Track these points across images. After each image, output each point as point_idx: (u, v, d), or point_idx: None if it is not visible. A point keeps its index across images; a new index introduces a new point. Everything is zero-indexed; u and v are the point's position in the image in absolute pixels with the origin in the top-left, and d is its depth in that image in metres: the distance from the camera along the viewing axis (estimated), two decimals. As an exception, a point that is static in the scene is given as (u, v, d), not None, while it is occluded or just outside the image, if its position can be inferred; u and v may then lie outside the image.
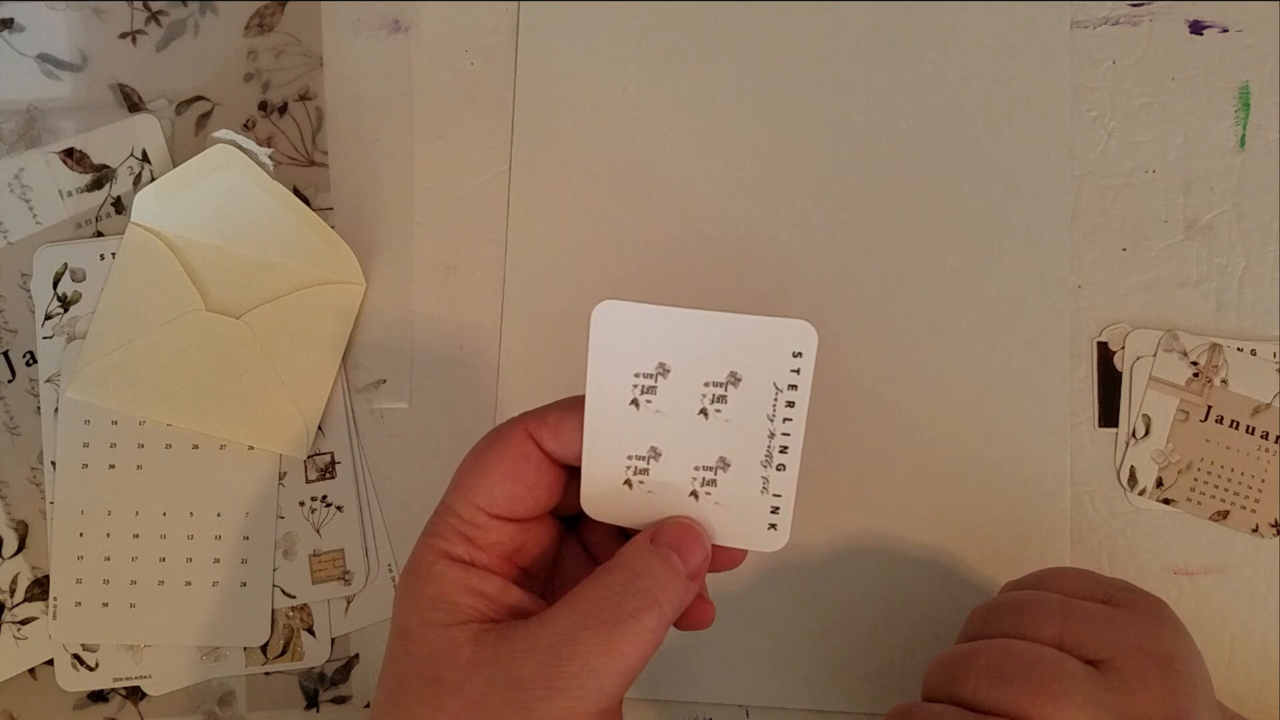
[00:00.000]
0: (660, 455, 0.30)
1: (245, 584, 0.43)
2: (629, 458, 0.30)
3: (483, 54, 0.46)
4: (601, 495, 0.30)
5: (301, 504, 0.43)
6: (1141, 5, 0.45)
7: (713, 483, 0.30)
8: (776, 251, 0.44)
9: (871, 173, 0.44)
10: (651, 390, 0.29)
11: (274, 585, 0.43)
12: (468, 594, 0.30)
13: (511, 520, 0.31)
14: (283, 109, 0.46)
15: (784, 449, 0.29)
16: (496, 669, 0.28)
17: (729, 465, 0.30)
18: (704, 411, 0.29)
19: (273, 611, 0.43)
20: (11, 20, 0.47)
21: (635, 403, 0.29)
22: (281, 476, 0.43)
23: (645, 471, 0.30)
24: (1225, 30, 0.44)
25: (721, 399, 0.29)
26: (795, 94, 0.45)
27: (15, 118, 0.46)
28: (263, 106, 0.46)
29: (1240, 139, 0.44)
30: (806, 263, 0.44)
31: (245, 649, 0.43)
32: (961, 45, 0.45)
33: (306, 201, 0.45)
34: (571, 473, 0.31)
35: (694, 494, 0.30)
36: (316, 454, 0.44)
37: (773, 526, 0.30)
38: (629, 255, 0.44)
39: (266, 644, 0.43)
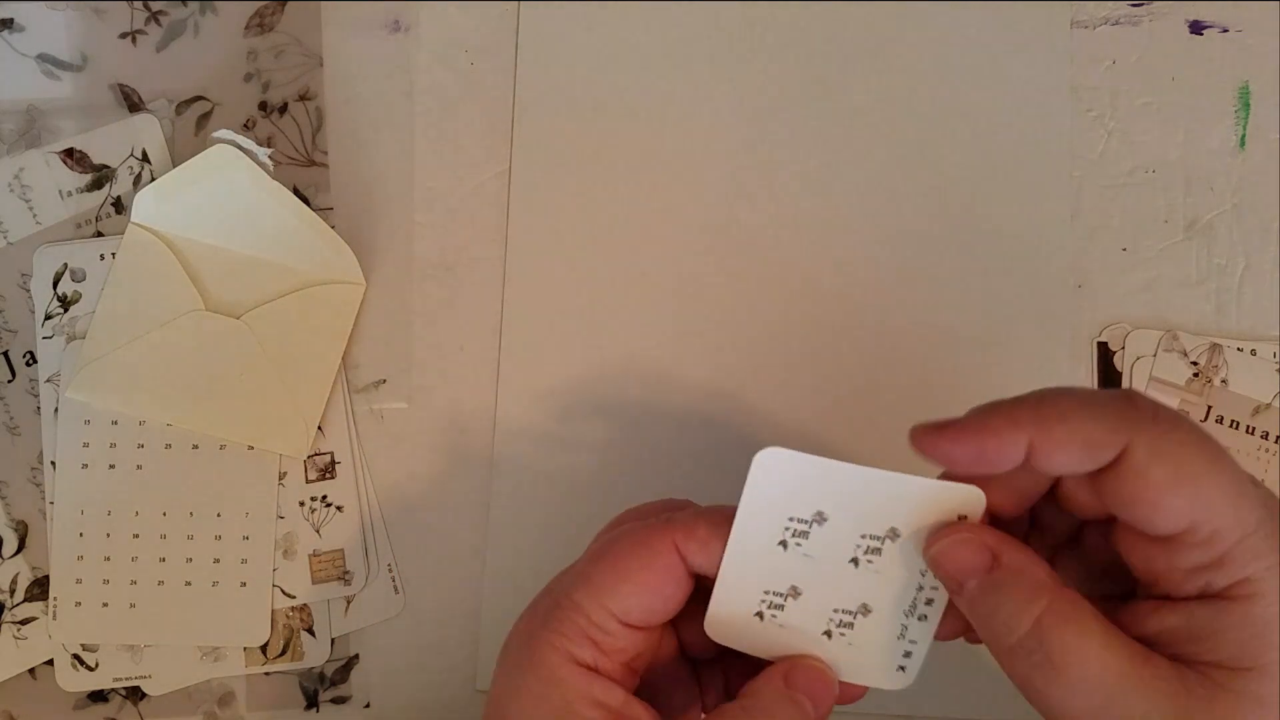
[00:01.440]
0: (800, 595, 0.30)
1: (245, 584, 0.43)
2: (766, 592, 0.30)
3: (483, 54, 0.46)
4: (729, 621, 0.30)
5: (301, 504, 0.43)
6: (1141, 5, 0.45)
7: (849, 625, 0.30)
8: (776, 251, 0.44)
9: (872, 172, 0.44)
10: (804, 535, 0.29)
11: (274, 585, 0.43)
12: (593, 706, 0.28)
13: (640, 630, 0.30)
14: (283, 109, 0.46)
15: (929, 601, 0.29)
16: None
17: (870, 611, 0.30)
18: (855, 560, 0.29)
19: (273, 611, 0.43)
20: (11, 20, 0.47)
21: (784, 544, 0.29)
22: (281, 476, 0.43)
23: (780, 607, 0.30)
24: (1225, 30, 0.44)
25: (876, 551, 0.29)
26: (795, 93, 0.45)
27: (15, 118, 0.46)
28: (263, 106, 0.46)
29: (1240, 139, 0.44)
30: (806, 262, 0.44)
31: (245, 649, 0.43)
32: (961, 45, 0.45)
33: (306, 201, 0.45)
34: (701, 580, 0.31)
35: (827, 633, 0.30)
36: (316, 454, 0.44)
37: (901, 669, 0.30)
38: (629, 255, 0.44)
39: (266, 644, 0.43)
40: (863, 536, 0.29)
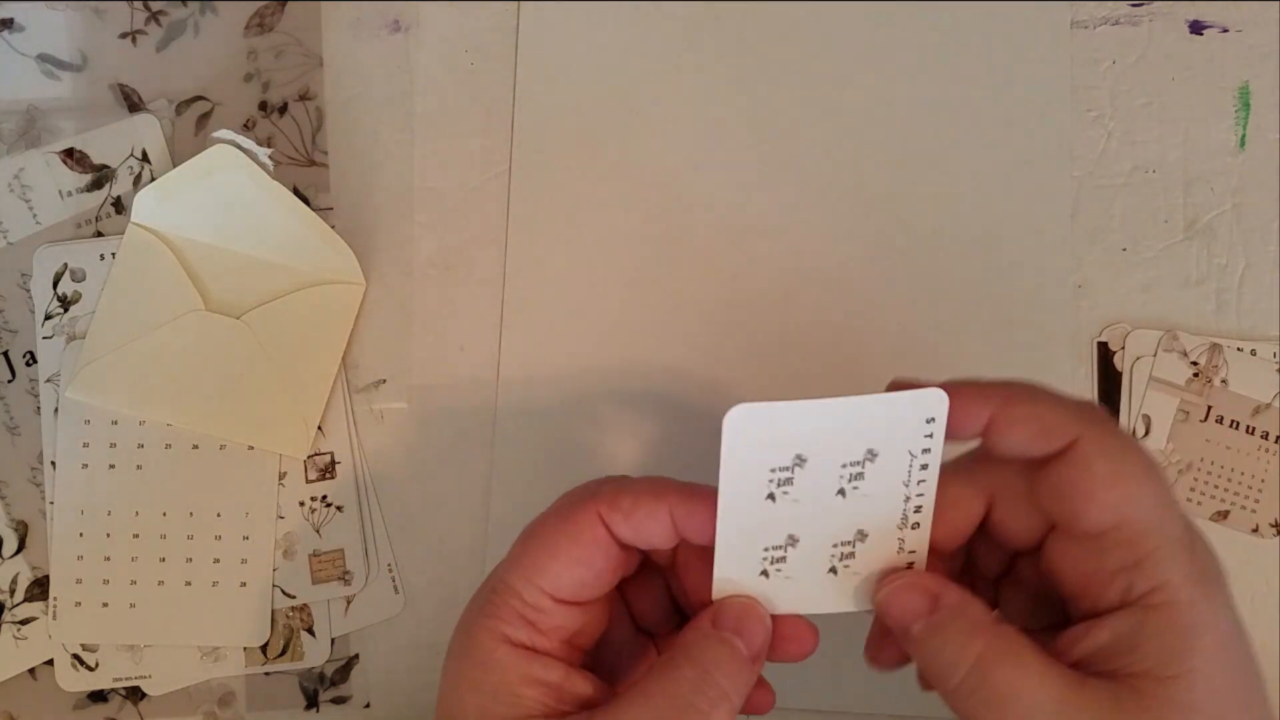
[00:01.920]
0: (798, 541, 0.29)
1: (245, 584, 0.43)
2: (765, 549, 0.30)
3: (483, 54, 0.46)
4: (734, 589, 0.30)
5: (301, 504, 0.43)
6: (1141, 5, 0.45)
7: (851, 555, 0.30)
8: (777, 251, 0.44)
9: (871, 172, 0.44)
10: (788, 482, 0.29)
11: (274, 585, 0.43)
12: (531, 685, 0.28)
13: (575, 605, 0.30)
14: (283, 109, 0.46)
15: (918, 508, 0.29)
16: None
17: (866, 536, 0.30)
18: (842, 492, 0.29)
19: (273, 611, 0.43)
20: (11, 20, 0.47)
21: (772, 496, 0.29)
22: (281, 476, 0.43)
23: (783, 560, 0.30)
24: (1225, 30, 0.44)
25: (859, 476, 0.29)
26: (795, 93, 0.45)
27: (15, 118, 0.46)
28: (263, 106, 0.46)
29: (1240, 139, 0.44)
30: (807, 262, 0.44)
31: (245, 649, 0.43)
32: (961, 45, 0.45)
33: (306, 201, 0.45)
34: (642, 552, 0.31)
35: (833, 570, 0.30)
36: (316, 454, 0.44)
37: None
38: (629, 255, 0.44)
39: (266, 644, 0.43)
40: (844, 466, 0.29)
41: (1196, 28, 0.44)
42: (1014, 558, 0.31)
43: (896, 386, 0.28)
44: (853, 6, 0.45)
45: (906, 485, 0.29)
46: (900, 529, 0.29)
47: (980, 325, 0.43)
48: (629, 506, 0.29)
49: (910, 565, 0.30)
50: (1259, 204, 0.43)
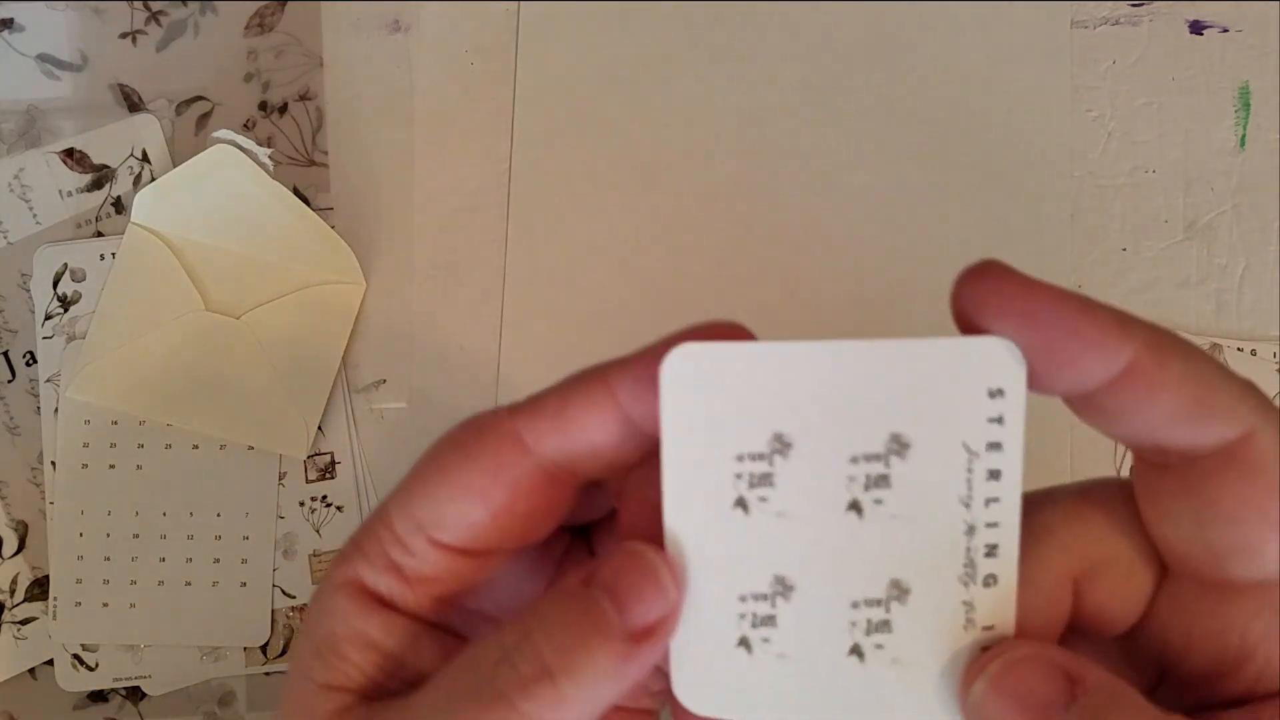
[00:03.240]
0: (792, 589, 0.19)
1: (245, 584, 0.43)
2: (741, 599, 0.19)
3: (483, 54, 0.46)
4: (704, 672, 0.19)
5: (301, 504, 0.43)
6: (1141, 5, 0.45)
7: (885, 625, 0.19)
8: (777, 251, 0.44)
9: (872, 173, 0.44)
10: (767, 480, 0.19)
11: (274, 585, 0.43)
12: (359, 647, 0.20)
13: (466, 554, 0.21)
14: (283, 109, 0.46)
15: (992, 547, 0.19)
16: None
17: (907, 591, 0.19)
18: (856, 505, 0.19)
19: (273, 611, 0.43)
20: (11, 20, 0.47)
21: (743, 503, 0.19)
22: (281, 476, 0.43)
23: (771, 621, 0.19)
24: (1225, 30, 0.44)
25: (883, 480, 0.19)
26: (795, 93, 0.45)
27: (15, 118, 0.46)
28: (263, 106, 0.46)
29: (1240, 139, 0.44)
30: (807, 262, 0.44)
31: (245, 649, 0.43)
32: (961, 45, 0.45)
33: (306, 201, 0.45)
34: (587, 488, 0.22)
35: (856, 649, 0.19)
36: (316, 454, 0.44)
37: None
38: (629, 255, 0.44)
39: (266, 644, 0.43)
40: (854, 460, 0.19)
41: (1196, 28, 0.44)
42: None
43: (972, 288, 0.19)
44: (852, 7, 0.45)
45: (966, 505, 0.18)
46: (965, 584, 0.19)
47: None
48: (557, 406, 0.20)
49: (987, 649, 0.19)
50: (1259, 204, 0.43)
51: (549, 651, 0.18)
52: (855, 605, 0.19)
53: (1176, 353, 0.18)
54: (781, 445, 0.19)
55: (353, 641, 0.20)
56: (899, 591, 0.19)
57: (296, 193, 0.45)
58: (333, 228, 0.44)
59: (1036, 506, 0.19)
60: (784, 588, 0.19)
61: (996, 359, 0.18)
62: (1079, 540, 0.19)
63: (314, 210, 0.44)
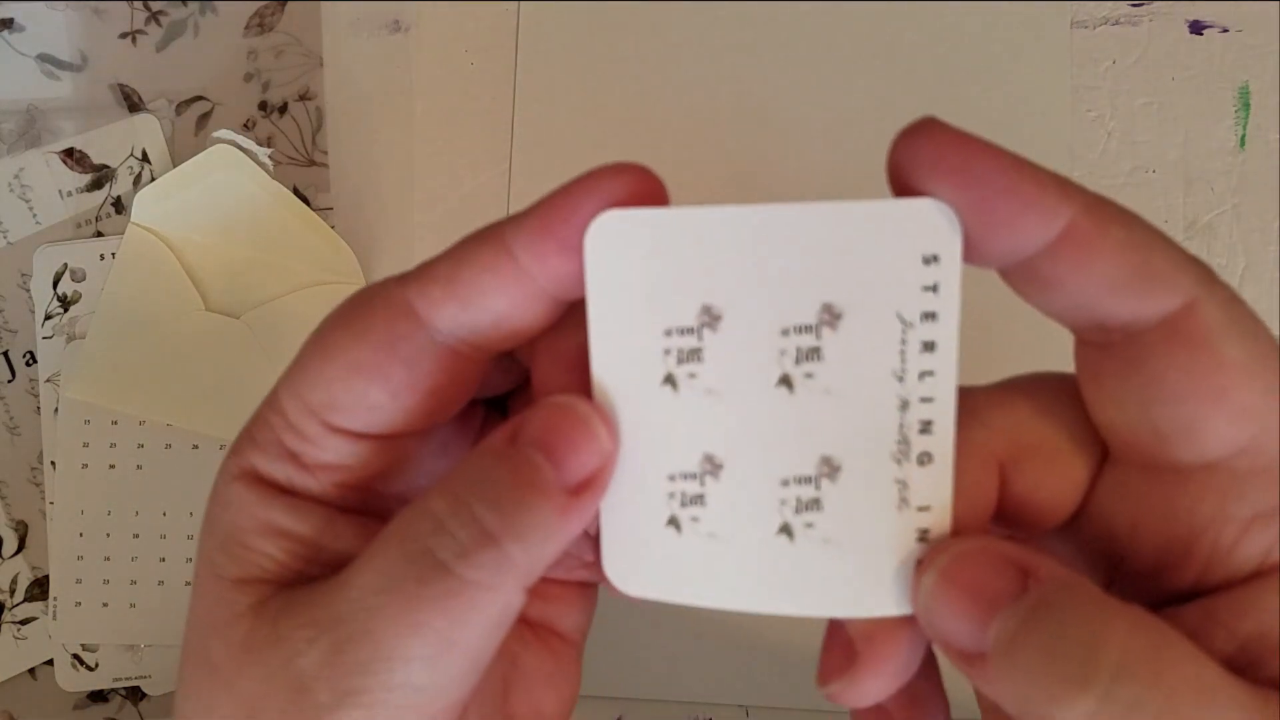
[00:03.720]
0: (721, 467, 0.18)
1: (245, 584, 0.43)
2: (670, 478, 0.19)
3: (483, 54, 0.46)
4: (633, 552, 0.19)
5: (301, 504, 0.43)
6: (1141, 5, 0.45)
7: (815, 504, 0.18)
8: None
9: (872, 173, 0.44)
10: (695, 356, 0.18)
11: (274, 585, 0.43)
12: (267, 536, 0.19)
13: (370, 438, 0.19)
14: (283, 109, 0.46)
15: (926, 423, 0.18)
16: (273, 659, 0.18)
17: (838, 469, 0.18)
18: (786, 380, 0.18)
19: (273, 611, 0.43)
20: (11, 20, 0.47)
21: (671, 380, 0.18)
22: (281, 476, 0.43)
23: (700, 500, 0.19)
24: (1225, 30, 0.44)
25: (814, 353, 0.18)
26: (794, 93, 0.45)
27: (15, 118, 0.46)
28: (263, 106, 0.46)
29: (1240, 139, 0.44)
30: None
31: (245, 649, 0.43)
32: (961, 45, 0.45)
33: (306, 201, 0.45)
34: (497, 358, 0.20)
35: (785, 528, 0.18)
36: (316, 454, 0.44)
37: (921, 562, 0.18)
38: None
39: (266, 644, 0.43)
40: (784, 332, 0.18)
41: (1196, 28, 0.44)
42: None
43: (909, 146, 0.18)
44: (852, 7, 0.45)
45: (900, 378, 0.18)
46: (899, 460, 0.18)
47: (980, 325, 0.43)
48: (449, 272, 0.19)
49: (924, 533, 0.18)
50: (1259, 204, 0.43)
51: (488, 515, 0.17)
52: (785, 483, 0.18)
53: (1117, 219, 0.17)
54: (710, 318, 0.18)
55: (259, 532, 0.19)
56: (830, 469, 0.18)
57: (296, 193, 0.45)
58: (333, 228, 0.44)
59: (962, 393, 0.18)
60: (713, 466, 0.18)
61: (931, 222, 0.17)
62: (1004, 422, 0.18)
63: (314, 210, 0.44)
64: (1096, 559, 0.19)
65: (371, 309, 0.19)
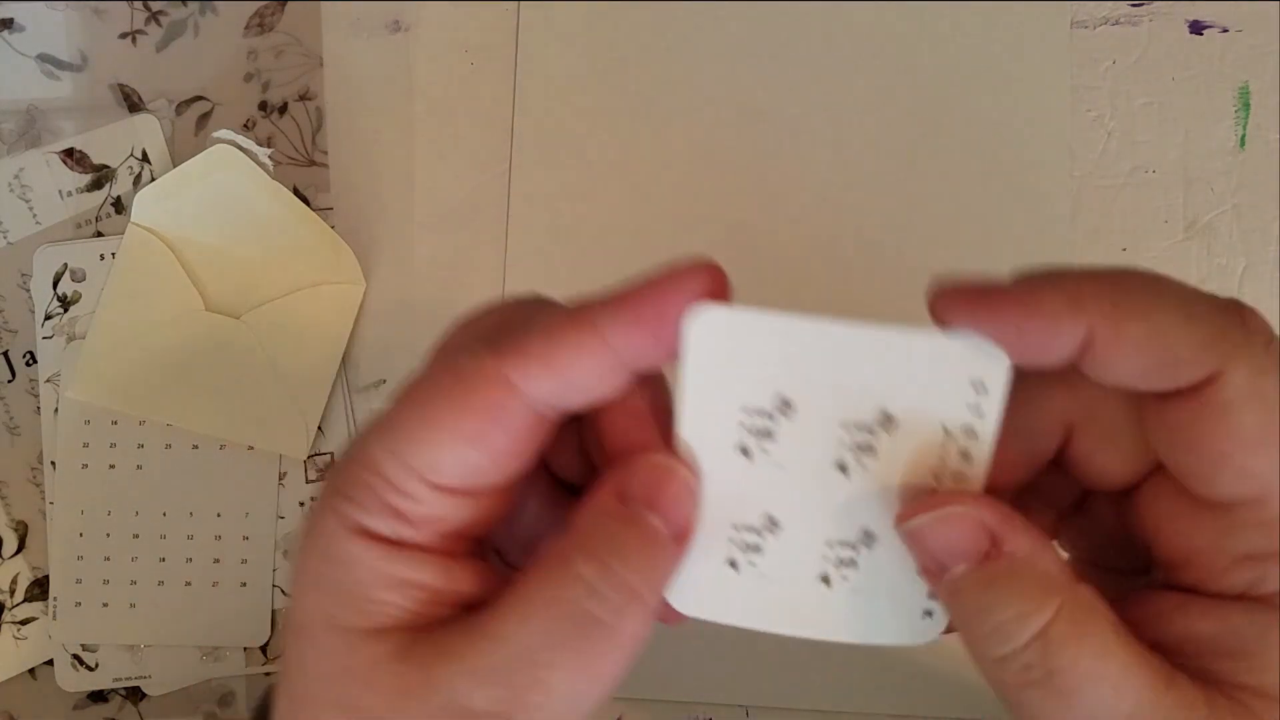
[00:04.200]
0: (778, 527, 0.23)
1: (245, 584, 0.43)
2: (735, 528, 0.23)
3: (483, 54, 0.46)
4: (696, 583, 0.23)
5: (301, 504, 0.43)
6: (1141, 5, 0.45)
7: (851, 564, 0.23)
8: (777, 251, 0.44)
9: (871, 172, 0.44)
10: (767, 435, 0.22)
11: (274, 585, 0.43)
12: (392, 588, 0.21)
13: (467, 493, 0.22)
14: (283, 109, 0.46)
15: None
16: (435, 698, 0.20)
17: (874, 540, 0.22)
18: (842, 465, 0.22)
19: (273, 611, 0.43)
20: (11, 20, 0.47)
21: (746, 450, 0.22)
22: (281, 476, 0.43)
23: (757, 549, 0.23)
24: (1225, 30, 0.44)
25: (867, 448, 0.22)
26: (794, 93, 0.45)
27: (15, 118, 0.46)
28: (263, 106, 0.46)
29: (1240, 139, 0.44)
30: (806, 262, 0.44)
31: (245, 649, 0.43)
32: (961, 45, 0.45)
33: (306, 201, 0.45)
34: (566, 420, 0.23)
35: (825, 578, 0.23)
36: (316, 454, 0.44)
37: (929, 614, 0.23)
38: (629, 255, 0.44)
39: (266, 644, 0.43)
40: (846, 427, 0.22)
41: (1196, 28, 0.44)
42: (1089, 494, 0.24)
43: (941, 303, 0.21)
44: (853, 7, 0.45)
45: (937, 477, 0.22)
46: None
47: (980, 325, 0.43)
48: (544, 350, 0.21)
49: (932, 595, 0.23)
50: (1259, 204, 0.43)
51: (632, 577, 0.21)
52: (830, 544, 0.23)
53: (1135, 313, 0.19)
54: (784, 406, 0.22)
55: (385, 585, 0.21)
56: (868, 538, 0.23)
57: (296, 193, 0.45)
58: (333, 228, 0.44)
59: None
60: (772, 524, 0.23)
61: (981, 355, 0.21)
62: (1085, 389, 0.21)
63: (314, 210, 0.44)
64: (1126, 531, 0.23)
65: (472, 382, 0.21)
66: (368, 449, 0.22)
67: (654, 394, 0.23)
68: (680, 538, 0.22)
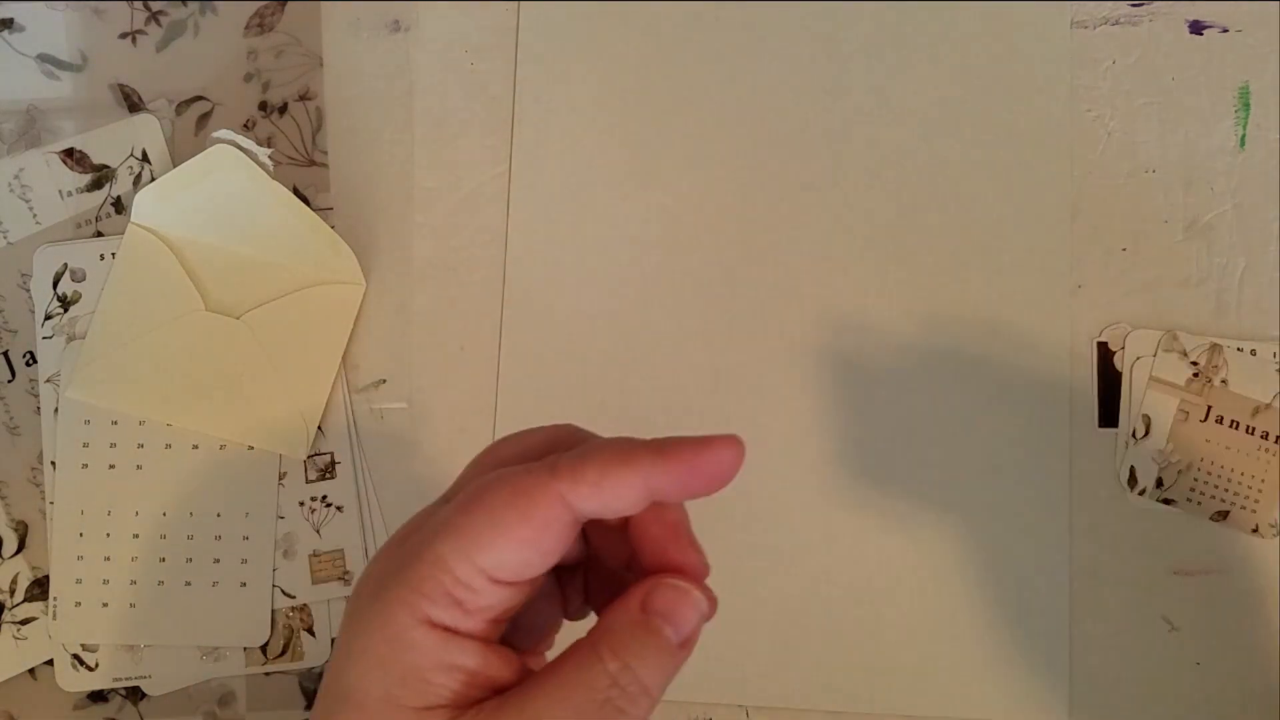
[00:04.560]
0: None
1: (245, 584, 0.43)
2: None
3: (483, 54, 0.46)
4: None
5: (301, 504, 0.43)
6: (1141, 5, 0.45)
7: None
8: (776, 250, 0.44)
9: (871, 172, 0.44)
10: None
11: (274, 585, 0.43)
12: (445, 671, 0.26)
13: (515, 585, 0.27)
14: (283, 109, 0.46)
15: None
16: None
17: None
18: None
19: (273, 611, 0.43)
20: (11, 20, 0.47)
21: None
22: (281, 476, 0.43)
23: None
24: (1225, 30, 0.44)
25: None
26: (795, 93, 0.45)
27: (15, 118, 0.46)
28: (263, 106, 0.46)
29: (1240, 139, 0.44)
30: (806, 261, 0.44)
31: (245, 649, 0.43)
32: (961, 45, 0.45)
33: (306, 201, 0.45)
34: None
35: None
36: (316, 454, 0.44)
37: None
38: (628, 255, 0.44)
39: (266, 644, 0.43)
40: None
41: (1196, 28, 0.44)
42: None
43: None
44: (853, 7, 0.45)
45: None
46: None
47: (980, 325, 0.43)
48: (596, 478, 0.26)
49: None
50: (1259, 204, 0.43)
51: (646, 676, 0.26)
52: None
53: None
54: None
55: (440, 669, 0.26)
56: None
57: (296, 193, 0.45)
58: (333, 228, 0.44)
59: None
60: None
61: None
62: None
63: (314, 210, 0.44)
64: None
65: (532, 496, 0.26)
66: (436, 549, 0.26)
67: (678, 509, 0.28)
68: (685, 645, 0.27)
